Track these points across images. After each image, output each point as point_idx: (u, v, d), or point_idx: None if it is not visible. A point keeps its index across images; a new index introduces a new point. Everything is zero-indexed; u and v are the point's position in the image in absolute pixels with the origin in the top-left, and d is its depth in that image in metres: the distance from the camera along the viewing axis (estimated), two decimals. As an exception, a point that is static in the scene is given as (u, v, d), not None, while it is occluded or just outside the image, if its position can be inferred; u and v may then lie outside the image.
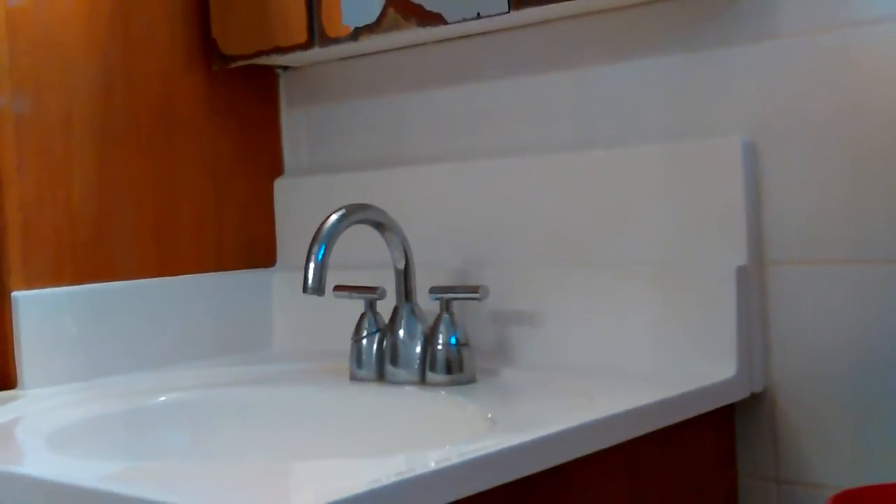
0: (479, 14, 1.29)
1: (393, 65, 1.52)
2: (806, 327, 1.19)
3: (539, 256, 1.35)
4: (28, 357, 1.33)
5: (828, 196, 1.17)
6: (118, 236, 1.44)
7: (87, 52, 1.42)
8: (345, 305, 1.37)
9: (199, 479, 0.93)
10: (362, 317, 1.32)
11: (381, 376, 1.29)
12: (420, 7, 1.34)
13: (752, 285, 1.21)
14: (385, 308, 1.31)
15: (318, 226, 1.19)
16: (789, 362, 1.20)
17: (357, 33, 1.40)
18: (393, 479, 0.84)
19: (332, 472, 0.95)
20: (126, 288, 1.43)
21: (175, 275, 1.49)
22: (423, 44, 1.47)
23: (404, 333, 1.27)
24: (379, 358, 1.30)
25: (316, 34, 1.44)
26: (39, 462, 1.04)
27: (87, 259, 1.40)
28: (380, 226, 1.26)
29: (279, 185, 1.62)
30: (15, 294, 1.33)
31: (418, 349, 1.26)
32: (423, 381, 1.25)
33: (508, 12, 1.27)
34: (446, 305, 1.26)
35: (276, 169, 1.64)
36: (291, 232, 1.61)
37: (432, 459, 0.91)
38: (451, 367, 1.24)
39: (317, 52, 1.47)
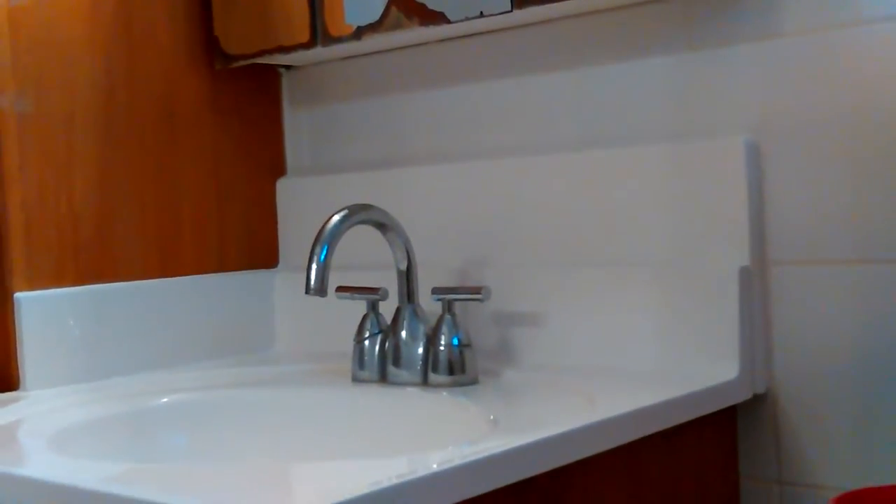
0: (481, 13, 1.29)
1: (395, 64, 1.51)
2: (808, 328, 1.19)
3: (541, 257, 1.35)
4: (30, 358, 1.33)
5: (831, 196, 1.17)
6: (120, 237, 1.44)
7: (89, 50, 1.42)
8: (347, 306, 1.37)
9: (201, 481, 0.93)
10: (364, 318, 1.32)
11: (383, 377, 1.29)
12: (423, 6, 1.33)
13: (755, 286, 1.20)
14: (387, 309, 1.31)
15: (320, 226, 1.19)
16: (791, 363, 1.20)
17: (360, 32, 1.40)
18: (395, 480, 0.84)
19: (334, 473, 0.95)
20: (128, 289, 1.43)
21: (177, 275, 1.49)
22: (426, 43, 1.47)
23: (406, 334, 1.27)
24: (381, 359, 1.29)
25: (318, 33, 1.44)
26: (41, 463, 1.04)
27: (89, 260, 1.40)
28: (382, 226, 1.26)
29: (281, 185, 1.62)
30: (17, 295, 1.33)
31: (420, 350, 1.26)
32: (425, 382, 1.25)
33: (511, 11, 1.27)
34: (448, 306, 1.26)
35: (279, 169, 1.64)
36: (294, 232, 1.61)
37: (434, 461, 0.91)
38: (454, 368, 1.24)
39: (319, 52, 1.47)
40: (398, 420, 1.22)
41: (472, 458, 0.90)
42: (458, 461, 0.89)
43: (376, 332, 1.31)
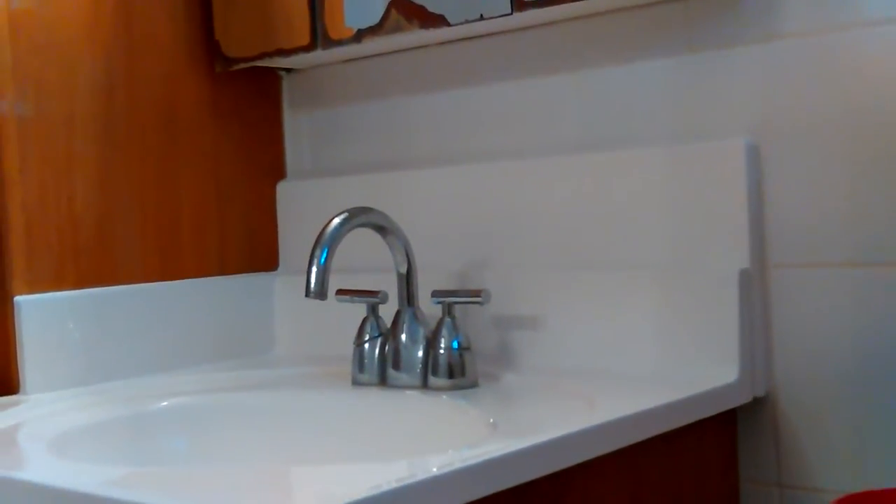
0: (481, 16, 1.29)
1: (396, 67, 1.52)
2: (808, 331, 1.19)
3: (541, 260, 1.35)
4: (30, 362, 1.33)
5: (831, 198, 1.17)
6: (120, 240, 1.44)
7: (89, 53, 1.42)
8: (347, 309, 1.37)
9: (201, 484, 0.93)
10: (364, 321, 1.32)
11: (382, 380, 1.29)
12: (423, 9, 1.33)
13: (755, 288, 1.20)
14: (387, 312, 1.31)
15: (320, 229, 1.19)
16: (791, 366, 1.20)
17: (360, 35, 1.40)
18: (394, 484, 0.84)
19: (334, 476, 0.95)
20: (128, 292, 1.43)
21: (177, 279, 1.49)
22: (426, 46, 1.47)
23: (406, 337, 1.27)
24: (381, 362, 1.29)
25: (319, 36, 1.44)
26: (41, 467, 1.04)
27: (89, 263, 1.40)
28: (382, 229, 1.26)
29: (282, 188, 1.62)
30: (17, 298, 1.33)
31: (420, 353, 1.26)
32: (424, 385, 1.25)
33: (511, 14, 1.27)
34: (448, 309, 1.26)
35: (279, 172, 1.64)
36: (294, 235, 1.61)
37: (434, 464, 0.90)
38: (453, 371, 1.24)
39: (320, 55, 1.47)
40: (398, 423, 1.22)
41: (472, 461, 0.90)
42: (457, 464, 0.89)
43: (376, 335, 1.31)
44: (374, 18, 1.38)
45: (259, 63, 1.52)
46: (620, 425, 1.04)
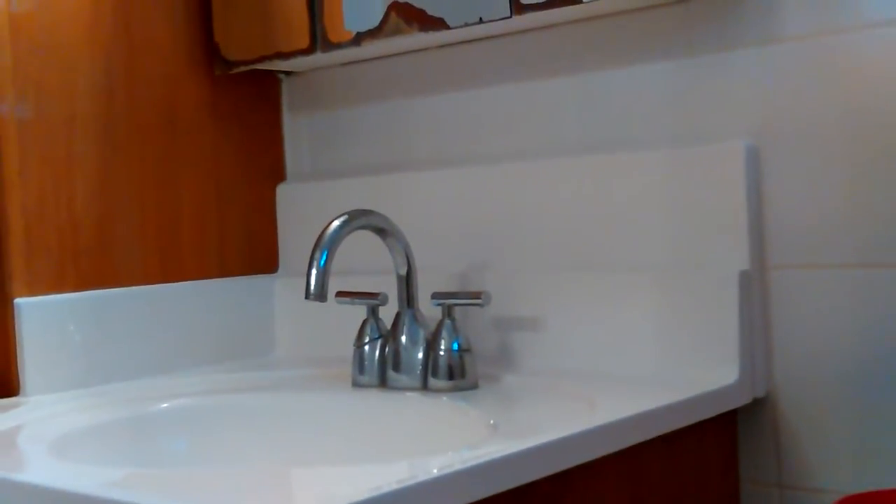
0: (481, 19, 1.29)
1: (395, 70, 1.52)
2: (808, 331, 1.19)
3: (541, 261, 1.35)
4: (30, 364, 1.33)
5: (830, 200, 1.17)
6: (120, 242, 1.44)
7: (89, 56, 1.42)
8: (347, 311, 1.37)
9: (202, 486, 0.93)
10: (364, 323, 1.32)
11: (383, 382, 1.29)
12: (422, 12, 1.34)
13: (755, 289, 1.21)
14: (387, 314, 1.31)
15: (320, 231, 1.19)
16: (791, 367, 1.20)
17: (359, 38, 1.40)
18: (395, 485, 0.84)
19: (334, 478, 0.95)
20: (128, 294, 1.43)
21: (177, 281, 1.49)
22: (426, 49, 1.47)
23: (406, 339, 1.27)
24: (381, 364, 1.30)
25: (318, 39, 1.44)
26: (42, 469, 1.04)
27: (89, 265, 1.40)
28: (382, 231, 1.26)
29: (281, 190, 1.62)
30: (17, 301, 1.33)
31: (420, 355, 1.26)
32: (424, 386, 1.25)
33: (511, 17, 1.27)
34: (448, 311, 1.26)
35: (279, 174, 1.64)
36: (294, 237, 1.61)
37: (434, 466, 0.91)
38: (453, 372, 1.24)
39: (319, 57, 1.47)
40: (398, 425, 1.22)
41: (473, 462, 0.90)
42: (458, 466, 0.89)
43: (376, 336, 1.31)
44: (374, 21, 1.38)
45: (258, 66, 1.52)
46: (621, 426, 1.04)
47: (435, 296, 1.26)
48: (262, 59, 1.50)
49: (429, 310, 1.28)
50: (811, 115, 1.18)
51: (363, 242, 1.32)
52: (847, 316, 1.16)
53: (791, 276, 1.20)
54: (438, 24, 1.33)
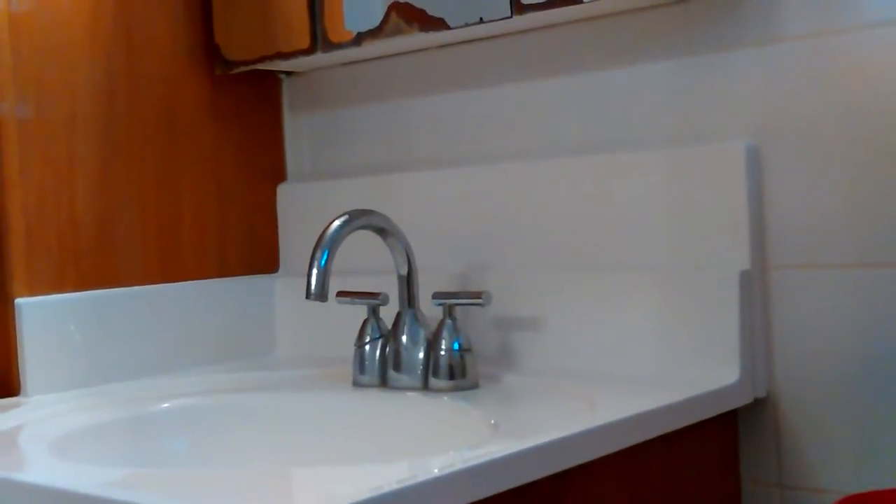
0: (481, 19, 1.29)
1: (396, 70, 1.52)
2: (809, 331, 1.19)
3: (542, 261, 1.35)
4: (31, 364, 1.33)
5: (831, 200, 1.17)
6: (121, 242, 1.44)
7: (90, 56, 1.42)
8: (347, 311, 1.37)
9: (202, 486, 0.93)
10: (365, 322, 1.32)
11: (383, 382, 1.29)
12: (422, 12, 1.34)
13: (756, 289, 1.21)
14: (388, 314, 1.31)
15: (320, 231, 1.19)
16: (792, 367, 1.20)
17: (360, 38, 1.40)
18: (395, 485, 0.84)
19: (335, 478, 0.95)
20: (129, 294, 1.43)
21: (178, 281, 1.49)
22: (426, 49, 1.47)
23: (407, 339, 1.27)
24: (382, 363, 1.30)
25: (319, 39, 1.44)
26: (42, 469, 1.04)
27: (89, 265, 1.40)
28: (382, 231, 1.26)
29: (282, 190, 1.63)
30: (18, 301, 1.33)
31: (421, 355, 1.26)
32: (425, 386, 1.25)
33: (511, 17, 1.27)
34: (449, 311, 1.26)
35: (279, 174, 1.64)
36: (294, 237, 1.61)
37: (435, 465, 0.91)
38: (454, 372, 1.24)
39: (320, 58, 1.47)
40: (399, 425, 1.22)
41: (473, 462, 0.90)
42: (459, 466, 0.89)
43: (377, 336, 1.31)
44: (374, 21, 1.38)
45: (259, 66, 1.52)
46: (621, 426, 1.04)
47: (436, 296, 1.26)
48: (262, 59, 1.50)
49: (429, 310, 1.28)
50: (812, 114, 1.18)
51: (364, 242, 1.32)
52: (848, 316, 1.16)
53: (792, 275, 1.20)
54: (439, 24, 1.33)
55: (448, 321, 1.25)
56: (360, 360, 1.31)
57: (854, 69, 1.15)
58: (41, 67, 1.37)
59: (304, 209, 1.59)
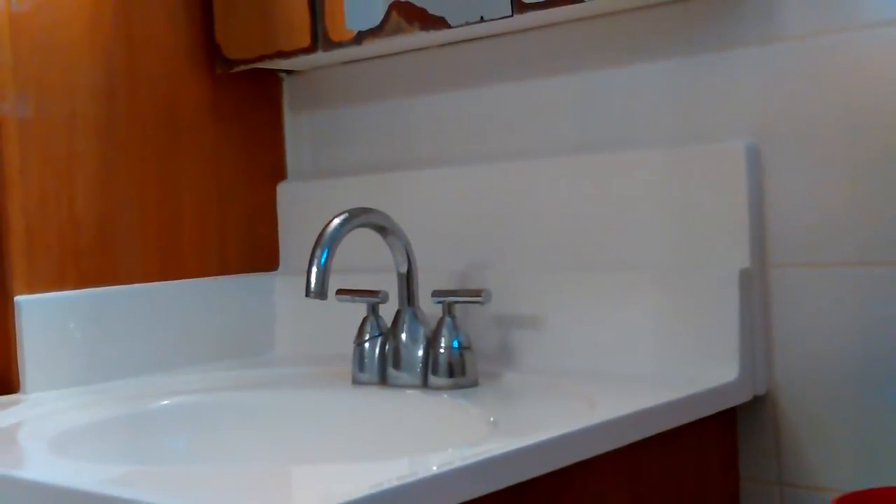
0: (482, 18, 1.29)
1: (396, 69, 1.52)
2: (809, 330, 1.19)
3: (541, 260, 1.35)
4: (31, 361, 1.33)
5: (831, 199, 1.17)
6: (121, 240, 1.44)
7: (90, 55, 1.42)
8: (347, 309, 1.37)
9: (201, 483, 0.93)
10: (365, 320, 1.32)
11: (383, 380, 1.29)
12: (423, 11, 1.34)
13: (755, 288, 1.21)
14: (387, 312, 1.31)
15: (320, 230, 1.19)
16: (792, 365, 1.20)
17: (360, 37, 1.40)
18: (395, 482, 0.84)
19: (334, 475, 0.95)
20: (129, 292, 1.43)
21: (178, 278, 1.49)
22: (427, 48, 1.47)
23: (406, 337, 1.27)
24: (381, 361, 1.30)
25: (319, 38, 1.44)
26: (42, 466, 1.04)
27: (90, 263, 1.40)
28: (382, 230, 1.26)
29: (282, 188, 1.63)
30: (18, 298, 1.33)
31: (420, 353, 1.26)
32: (425, 384, 1.25)
33: (512, 16, 1.27)
34: (449, 309, 1.26)
35: (279, 172, 1.64)
36: (294, 236, 1.61)
37: (434, 463, 0.91)
38: (454, 370, 1.24)
39: (320, 56, 1.48)
40: (398, 422, 1.22)
41: (473, 459, 0.90)
42: (458, 463, 0.89)
43: (376, 334, 1.31)
44: (375, 20, 1.38)
45: (259, 65, 1.53)
46: (621, 424, 1.04)
47: (435, 293, 1.26)
48: (262, 57, 1.50)
49: (429, 307, 1.28)
50: (812, 114, 1.18)
51: (364, 240, 1.32)
52: (847, 314, 1.16)
53: (791, 274, 1.20)
54: (439, 22, 1.33)
55: (448, 319, 1.25)
56: (360, 358, 1.31)
57: (854, 68, 1.15)
58: (41, 66, 1.37)
59: (304, 207, 1.59)
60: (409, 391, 1.26)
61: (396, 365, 1.27)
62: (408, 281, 1.28)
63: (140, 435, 1.24)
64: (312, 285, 1.17)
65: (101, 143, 1.43)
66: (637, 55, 1.30)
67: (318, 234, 1.19)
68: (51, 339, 1.35)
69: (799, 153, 1.19)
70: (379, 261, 1.36)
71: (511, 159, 1.39)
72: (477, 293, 1.25)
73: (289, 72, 1.63)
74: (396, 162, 1.52)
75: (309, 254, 1.18)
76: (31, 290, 1.34)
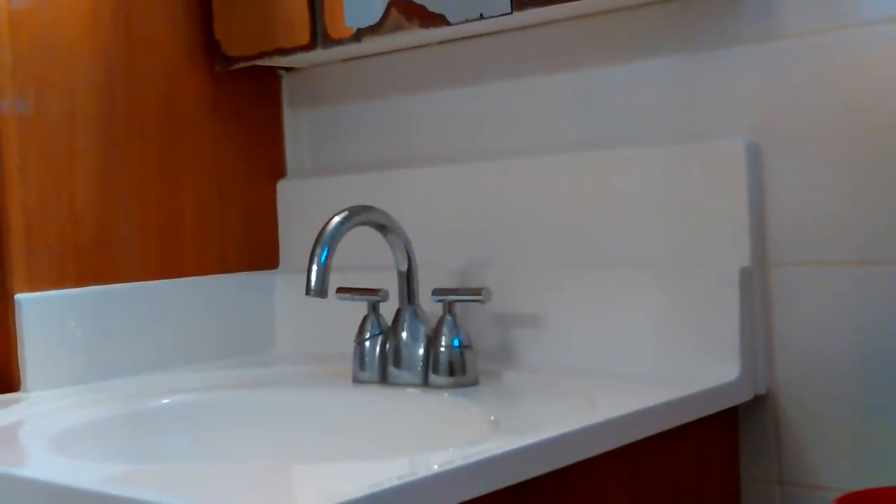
0: (481, 15, 1.29)
1: (396, 66, 1.52)
2: (809, 329, 1.19)
3: (542, 258, 1.35)
4: (31, 359, 1.33)
5: (831, 197, 1.17)
6: (121, 238, 1.44)
7: (89, 52, 1.42)
8: (347, 307, 1.37)
9: (202, 482, 0.93)
10: (365, 319, 1.32)
11: (383, 378, 1.29)
12: (423, 8, 1.33)
13: (756, 287, 1.20)
14: (388, 310, 1.31)
15: (320, 228, 1.19)
16: (792, 364, 1.20)
17: (360, 34, 1.40)
18: (395, 481, 0.84)
19: (335, 474, 0.95)
20: (129, 290, 1.43)
21: (178, 277, 1.49)
22: (426, 45, 1.47)
23: (407, 335, 1.27)
24: (381, 360, 1.29)
25: (319, 35, 1.44)
26: (42, 464, 1.04)
27: (89, 261, 1.40)
28: (382, 228, 1.26)
29: (282, 186, 1.62)
30: (18, 296, 1.33)
31: (421, 351, 1.26)
32: (425, 383, 1.25)
33: (511, 13, 1.27)
34: (449, 307, 1.26)
35: (279, 170, 1.64)
36: (294, 234, 1.61)
37: (435, 462, 0.90)
38: (454, 369, 1.24)
39: (319, 54, 1.47)
40: (399, 421, 1.22)
41: (473, 459, 0.90)
42: (459, 462, 0.89)
43: (377, 333, 1.31)
44: (374, 18, 1.38)
45: (259, 62, 1.52)
46: (621, 423, 1.04)
47: (436, 292, 1.26)
48: (262, 55, 1.50)
49: (429, 306, 1.28)
50: (812, 112, 1.18)
51: (364, 239, 1.32)
52: (848, 313, 1.16)
53: (792, 273, 1.20)
54: (439, 20, 1.33)
55: (448, 318, 1.25)
56: (360, 357, 1.31)
57: (854, 66, 1.15)
58: (41, 64, 1.37)
59: (303, 205, 1.59)
60: (409, 390, 1.26)
61: (397, 364, 1.27)
62: (408, 279, 1.28)
63: (140, 433, 1.24)
64: (313, 283, 1.17)
65: (100, 141, 1.42)
66: (637, 52, 1.30)
67: (318, 232, 1.19)
68: (51, 337, 1.35)
69: (799, 151, 1.19)
70: (379, 259, 1.36)
71: (511, 157, 1.39)
72: (477, 292, 1.25)
73: (288, 69, 1.63)
74: (396, 159, 1.52)
75: (309, 252, 1.18)
76: (32, 288, 1.34)
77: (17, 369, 1.33)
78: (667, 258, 1.25)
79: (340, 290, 1.35)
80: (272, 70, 1.62)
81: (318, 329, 1.53)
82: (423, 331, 1.27)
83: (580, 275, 1.30)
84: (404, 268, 1.28)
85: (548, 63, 1.37)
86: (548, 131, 1.37)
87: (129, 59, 1.46)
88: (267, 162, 1.63)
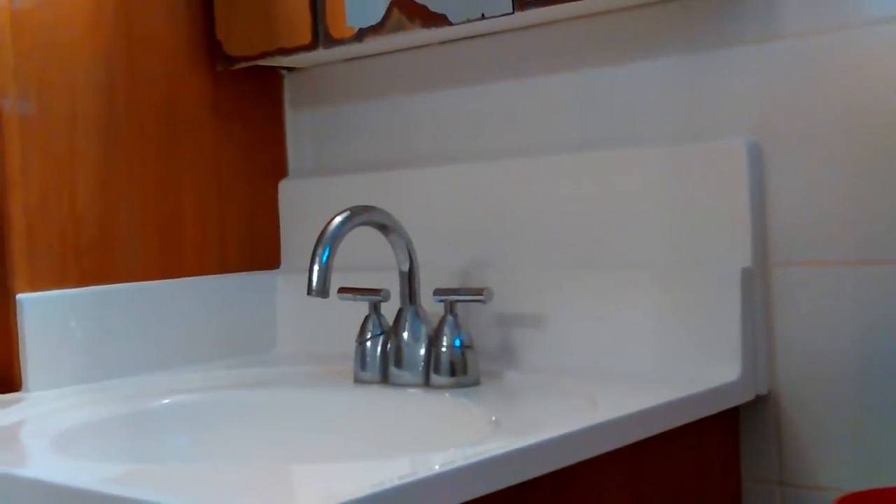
0: (483, 15, 1.29)
1: (397, 66, 1.52)
2: (811, 329, 1.19)
3: (543, 258, 1.35)
4: (32, 359, 1.33)
5: (832, 197, 1.17)
6: (122, 238, 1.44)
7: (91, 52, 1.42)
8: (349, 307, 1.37)
9: (202, 482, 0.93)
10: (366, 319, 1.32)
11: (384, 378, 1.29)
12: (424, 8, 1.34)
13: (757, 287, 1.20)
14: (389, 310, 1.31)
15: (322, 228, 1.19)
16: (794, 364, 1.20)
17: (361, 34, 1.40)
18: (396, 482, 0.84)
19: (336, 474, 0.95)
20: (130, 290, 1.43)
21: (179, 277, 1.49)
22: (428, 45, 1.47)
23: (408, 335, 1.27)
24: (383, 360, 1.29)
25: (320, 35, 1.44)
26: (43, 464, 1.04)
27: (90, 261, 1.40)
28: (384, 228, 1.26)
29: (283, 186, 1.62)
30: (19, 296, 1.33)
31: (422, 351, 1.26)
32: (426, 383, 1.25)
33: (513, 13, 1.27)
34: (450, 307, 1.26)
35: (281, 170, 1.64)
36: (296, 234, 1.61)
37: (436, 462, 0.91)
38: (455, 369, 1.24)
39: (321, 54, 1.47)
40: (400, 421, 1.22)
41: (475, 459, 0.90)
42: (460, 462, 0.89)
43: (378, 333, 1.31)
44: (376, 17, 1.38)
45: (260, 62, 1.52)
46: (622, 424, 1.04)
47: (437, 292, 1.26)
48: (263, 55, 1.50)
49: (431, 306, 1.28)
50: (812, 112, 1.18)
51: (365, 239, 1.32)
52: (849, 313, 1.16)
53: (793, 273, 1.20)
54: (440, 20, 1.33)
55: (449, 318, 1.25)
56: (362, 357, 1.31)
57: (855, 66, 1.15)
58: (42, 64, 1.37)
59: (305, 205, 1.59)
60: (410, 390, 1.26)
61: (398, 364, 1.27)
62: (409, 279, 1.28)
63: (141, 433, 1.24)
64: (314, 283, 1.17)
65: (101, 141, 1.43)
66: (638, 53, 1.30)
67: (319, 232, 1.19)
68: (52, 337, 1.35)
69: (800, 151, 1.19)
70: (380, 259, 1.36)
71: (512, 157, 1.39)
72: (479, 292, 1.25)
73: (290, 69, 1.63)
74: (398, 159, 1.52)
75: (310, 252, 1.18)
76: (33, 288, 1.34)
77: (19, 369, 1.33)
78: (668, 258, 1.25)
79: (342, 290, 1.35)
80: (274, 70, 1.62)
81: (320, 329, 1.53)
82: (424, 331, 1.27)
83: (581, 275, 1.30)
84: (406, 268, 1.28)
85: (549, 63, 1.37)
86: (549, 131, 1.37)
87: (130, 58, 1.46)
88: (268, 162, 1.63)
